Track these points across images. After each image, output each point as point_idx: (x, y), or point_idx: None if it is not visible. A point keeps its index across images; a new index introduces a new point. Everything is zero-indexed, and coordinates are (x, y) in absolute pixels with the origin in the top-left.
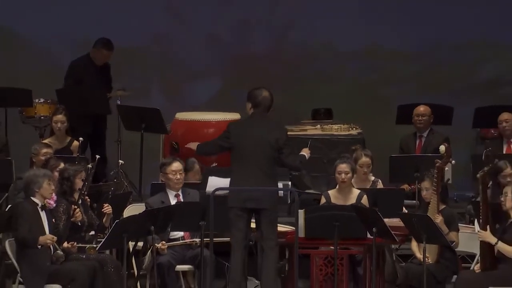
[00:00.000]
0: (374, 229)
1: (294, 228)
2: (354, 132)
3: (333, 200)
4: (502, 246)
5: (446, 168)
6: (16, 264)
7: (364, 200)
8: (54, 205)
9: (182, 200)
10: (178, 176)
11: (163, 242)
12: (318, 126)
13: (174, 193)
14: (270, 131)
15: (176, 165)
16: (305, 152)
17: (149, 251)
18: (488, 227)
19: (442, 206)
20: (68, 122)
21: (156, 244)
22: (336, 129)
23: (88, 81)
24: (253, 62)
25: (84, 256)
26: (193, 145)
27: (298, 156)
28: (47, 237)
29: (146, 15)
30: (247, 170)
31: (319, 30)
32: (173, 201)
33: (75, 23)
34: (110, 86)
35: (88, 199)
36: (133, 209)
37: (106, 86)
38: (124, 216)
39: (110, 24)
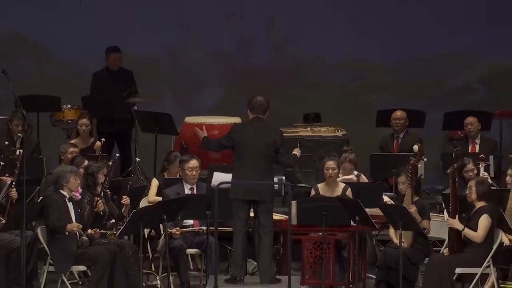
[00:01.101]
0: (357, 218)
1: (287, 217)
2: (339, 133)
3: (321, 193)
4: (468, 232)
5: (419, 165)
6: (47, 248)
7: (349, 193)
8: (80, 197)
9: (194, 193)
10: (194, 173)
11: (177, 228)
12: (308, 128)
13: (190, 186)
14: (268, 133)
15: (193, 163)
16: (296, 152)
17: (163, 236)
18: (456, 215)
19: (416, 198)
20: (91, 125)
21: (170, 230)
22: (324, 131)
23: (107, 88)
24: (253, 72)
25: (105, 241)
26: (200, 133)
27: (291, 155)
28: (74, 225)
29: (160, 30)
30: (247, 167)
31: (309, 45)
32: (187, 193)
33: (97, 38)
34: (135, 90)
35: (109, 192)
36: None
37: (126, 91)
38: (140, 206)
39: (128, 38)
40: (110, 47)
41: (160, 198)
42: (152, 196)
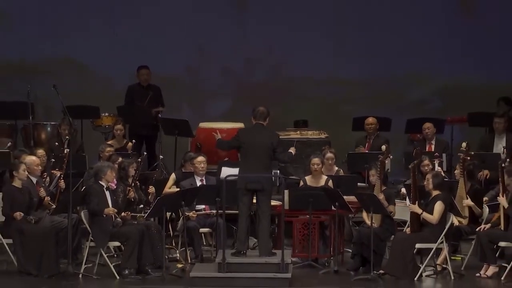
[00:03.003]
0: (336, 203)
1: (281, 202)
2: (323, 136)
3: (308, 183)
4: (425, 215)
5: (386, 161)
6: (88, 228)
7: (330, 183)
8: (115, 187)
9: (205, 184)
10: (202, 165)
11: (194, 211)
12: (298, 132)
13: (200, 178)
14: (267, 136)
15: (200, 158)
16: (292, 150)
17: (181, 218)
18: (416, 202)
19: (384, 187)
20: (124, 130)
21: (187, 213)
22: (311, 134)
23: (138, 100)
24: (254, 87)
25: (135, 222)
26: (216, 136)
27: (287, 153)
28: (110, 209)
29: (182, 53)
30: (252, 163)
31: (299, 66)
32: (198, 184)
33: (129, 61)
34: (161, 103)
35: (138, 183)
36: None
37: (155, 103)
38: (163, 194)
39: (155, 59)
40: (140, 65)
41: (173, 190)
42: (167, 187)
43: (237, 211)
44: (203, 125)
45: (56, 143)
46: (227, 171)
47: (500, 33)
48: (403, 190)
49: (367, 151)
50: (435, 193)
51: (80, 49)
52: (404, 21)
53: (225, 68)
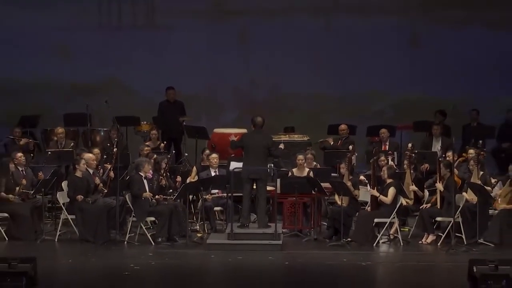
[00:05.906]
0: (316, 189)
1: (274, 188)
2: (305, 139)
3: (295, 174)
4: (382, 198)
5: (353, 157)
6: (131, 207)
7: (311, 174)
8: (151, 176)
9: (217, 174)
10: (215, 160)
11: (209, 194)
12: (287, 135)
13: (214, 170)
14: (264, 139)
15: (213, 155)
16: (282, 146)
17: (200, 200)
18: (375, 188)
19: (351, 177)
20: (158, 134)
21: (204, 196)
22: (296, 137)
23: (167, 113)
24: (256, 102)
25: (166, 203)
26: (231, 137)
27: (278, 149)
28: (147, 194)
29: (201, 76)
30: (252, 159)
31: (289, 85)
32: (213, 174)
33: (162, 81)
34: (184, 114)
35: (168, 173)
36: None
37: (180, 114)
38: (187, 182)
39: (181, 81)
40: (168, 86)
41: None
42: (192, 178)
43: (241, 194)
44: (217, 130)
45: (108, 144)
46: (234, 165)
47: (437, 60)
48: (362, 177)
49: (332, 142)
50: (389, 181)
51: (125, 73)
52: (368, 51)
53: (234, 88)
